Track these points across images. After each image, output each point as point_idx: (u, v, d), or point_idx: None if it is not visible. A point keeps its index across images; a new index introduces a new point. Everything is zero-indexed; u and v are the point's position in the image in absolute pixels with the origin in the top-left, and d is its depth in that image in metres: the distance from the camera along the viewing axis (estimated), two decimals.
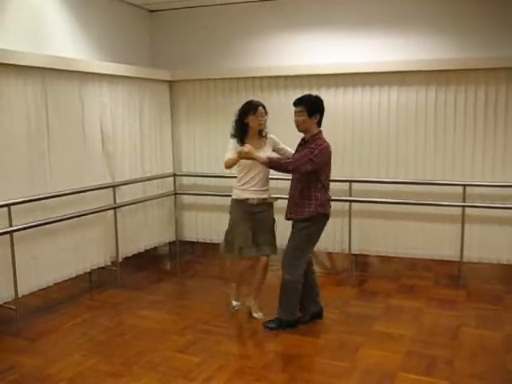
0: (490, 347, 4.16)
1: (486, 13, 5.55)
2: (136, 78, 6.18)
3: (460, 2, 5.62)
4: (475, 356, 4.01)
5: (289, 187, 4.60)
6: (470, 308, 5.02)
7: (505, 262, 5.76)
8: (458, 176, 5.74)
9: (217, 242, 6.93)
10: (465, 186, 5.61)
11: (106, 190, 5.72)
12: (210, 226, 6.96)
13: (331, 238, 6.18)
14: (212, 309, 5.04)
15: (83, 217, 5.38)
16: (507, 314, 4.88)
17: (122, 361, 3.99)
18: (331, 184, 4.57)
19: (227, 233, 4.82)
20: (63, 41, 5.57)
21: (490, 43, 5.54)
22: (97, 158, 5.69)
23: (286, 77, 6.30)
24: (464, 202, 5.64)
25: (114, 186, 5.80)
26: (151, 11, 6.93)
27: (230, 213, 4.82)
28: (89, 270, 5.65)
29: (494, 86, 5.59)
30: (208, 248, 7.19)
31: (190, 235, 7.12)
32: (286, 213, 4.53)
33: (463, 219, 5.71)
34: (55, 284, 5.21)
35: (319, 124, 4.43)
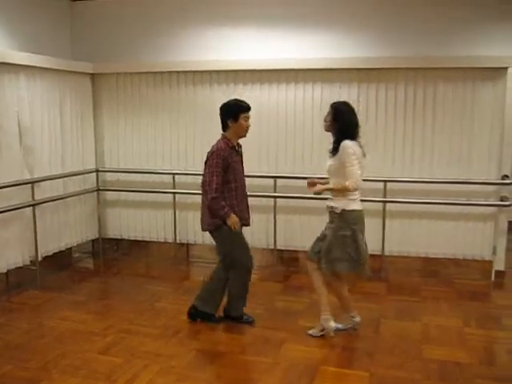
0: (408, 337, 4.31)
1: (408, 13, 5.70)
2: (56, 69, 5.94)
3: (382, 2, 5.77)
4: (394, 346, 4.14)
5: None
6: (390, 300, 5.19)
7: (423, 255, 6.00)
8: (380, 172, 5.90)
9: (141, 239, 6.82)
10: (386, 181, 5.78)
11: (23, 186, 5.47)
12: (134, 222, 6.82)
13: (256, 234, 6.21)
14: (136, 308, 4.95)
15: None
16: (424, 304, 5.08)
17: (40, 365, 3.83)
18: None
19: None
20: None
21: (412, 43, 5.70)
22: (14, 153, 5.44)
23: (210, 72, 6.23)
24: (385, 197, 5.81)
25: (32, 183, 5.56)
26: (73, 0, 6.66)
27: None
28: (5, 271, 5.41)
29: (413, 84, 5.78)
30: (133, 245, 7.06)
31: (114, 232, 6.94)
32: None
33: (384, 214, 5.88)
34: None
35: None
